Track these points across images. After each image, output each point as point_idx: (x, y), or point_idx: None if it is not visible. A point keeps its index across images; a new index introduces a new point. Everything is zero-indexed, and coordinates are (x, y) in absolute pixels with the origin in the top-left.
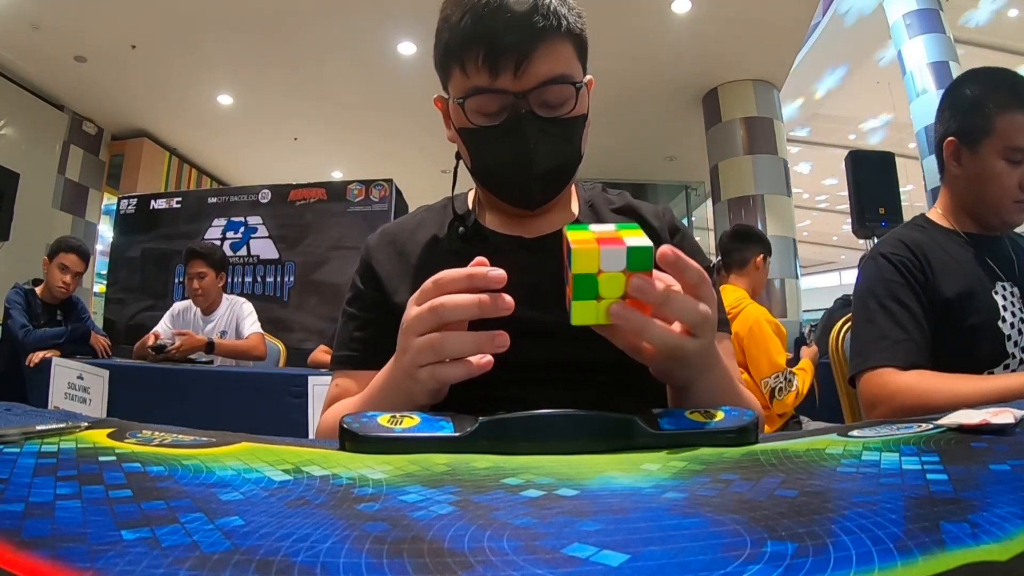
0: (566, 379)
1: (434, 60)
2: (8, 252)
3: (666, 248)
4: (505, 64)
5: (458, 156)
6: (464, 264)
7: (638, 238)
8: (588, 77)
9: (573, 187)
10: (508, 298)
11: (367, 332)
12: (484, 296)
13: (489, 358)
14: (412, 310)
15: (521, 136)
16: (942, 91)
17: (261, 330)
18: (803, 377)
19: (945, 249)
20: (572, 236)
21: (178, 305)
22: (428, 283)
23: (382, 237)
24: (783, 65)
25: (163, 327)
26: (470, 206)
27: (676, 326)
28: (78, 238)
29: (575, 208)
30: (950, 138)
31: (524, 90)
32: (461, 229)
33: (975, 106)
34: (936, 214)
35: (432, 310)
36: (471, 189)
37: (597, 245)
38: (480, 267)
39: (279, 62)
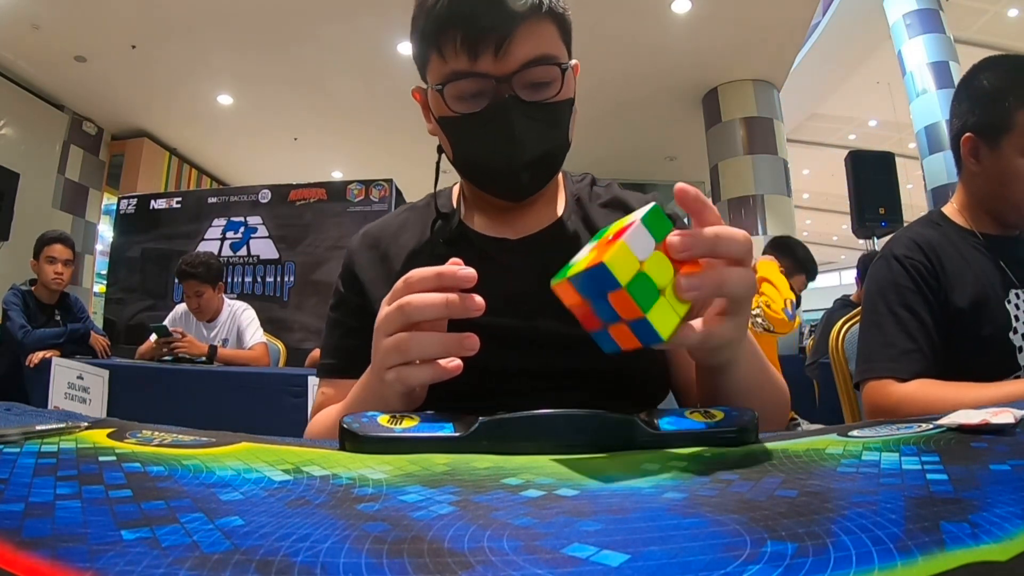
0: (556, 387)
1: (412, 51)
2: (8, 252)
3: (679, 187)
4: (485, 46)
5: (440, 150)
6: None
7: (634, 216)
8: (574, 61)
9: (560, 178)
10: (478, 298)
11: (349, 340)
12: (452, 296)
13: (458, 362)
14: (382, 310)
15: (505, 122)
16: (942, 91)
17: (264, 339)
18: (771, 292)
19: (960, 251)
20: (584, 265)
21: (180, 308)
22: (399, 283)
23: (364, 240)
24: (783, 65)
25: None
26: (454, 202)
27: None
28: (57, 229)
29: (561, 202)
30: (967, 134)
31: (506, 73)
32: (444, 231)
33: (994, 99)
34: (952, 210)
35: (399, 309)
36: (456, 183)
37: (617, 242)
38: (451, 266)
39: (279, 62)
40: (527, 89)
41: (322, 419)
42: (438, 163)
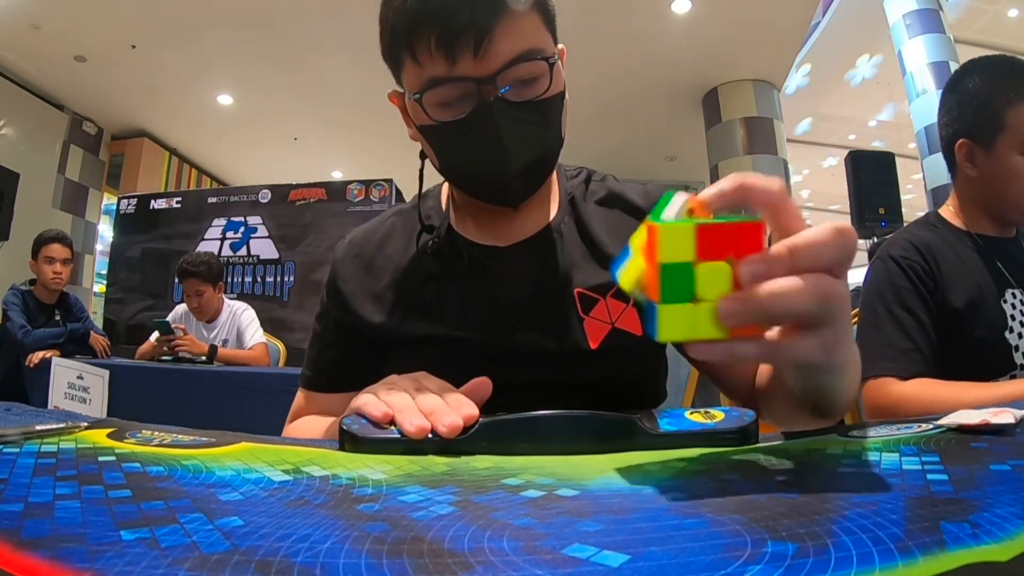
0: (544, 400)
1: (381, 51)
2: (8, 252)
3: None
4: (463, 46)
5: (423, 156)
6: (435, 286)
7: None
8: (560, 47)
9: (554, 175)
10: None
11: (326, 354)
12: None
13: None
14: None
15: (492, 128)
16: (942, 90)
17: (264, 339)
18: None
19: (956, 252)
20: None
21: (180, 308)
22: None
23: (348, 249)
24: (783, 65)
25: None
26: (443, 203)
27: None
28: (55, 229)
29: (554, 203)
30: (961, 140)
31: (489, 74)
32: (432, 241)
33: (982, 103)
34: (949, 212)
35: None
36: (445, 182)
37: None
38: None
39: (279, 62)
40: (513, 88)
41: (295, 432)
42: (421, 169)
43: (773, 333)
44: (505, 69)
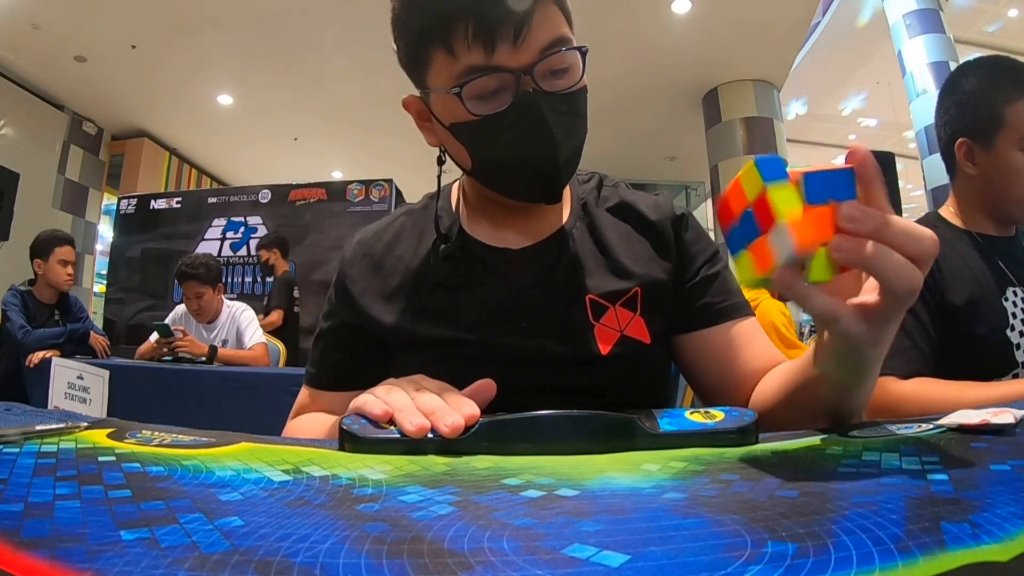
0: (555, 405)
1: (399, 56)
2: (8, 252)
3: (853, 147)
4: (502, 34)
5: (440, 162)
6: (447, 289)
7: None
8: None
9: None
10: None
11: (330, 354)
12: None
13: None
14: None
15: (538, 118)
16: (939, 93)
17: (264, 339)
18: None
19: (957, 251)
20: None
21: (179, 308)
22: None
23: (357, 250)
24: (783, 65)
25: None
26: (453, 204)
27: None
28: (62, 230)
29: (566, 207)
30: (961, 139)
31: (526, 64)
32: (443, 246)
33: (980, 101)
34: (949, 212)
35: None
36: (455, 182)
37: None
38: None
39: (279, 61)
40: (548, 79)
41: (293, 428)
42: (439, 177)
43: (858, 301)
44: (542, 59)
